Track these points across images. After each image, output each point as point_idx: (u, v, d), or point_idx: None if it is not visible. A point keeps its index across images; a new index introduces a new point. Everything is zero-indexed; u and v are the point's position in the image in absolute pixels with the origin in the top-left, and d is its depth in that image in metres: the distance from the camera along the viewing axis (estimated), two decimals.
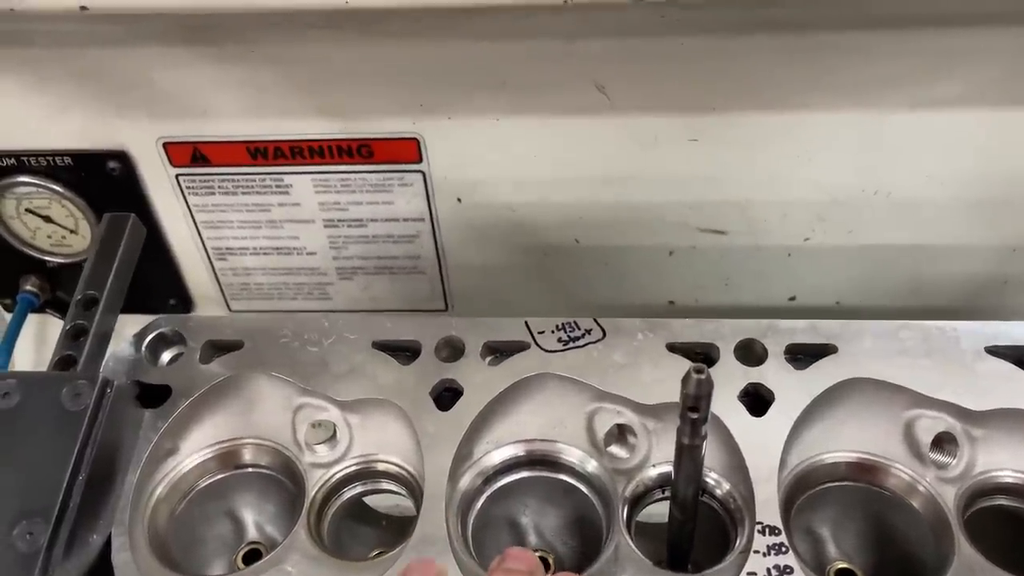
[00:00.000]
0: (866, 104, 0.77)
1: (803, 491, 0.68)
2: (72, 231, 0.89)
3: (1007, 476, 0.67)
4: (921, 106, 0.77)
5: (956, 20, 0.71)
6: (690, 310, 0.96)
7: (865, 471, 0.68)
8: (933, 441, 0.67)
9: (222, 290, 0.95)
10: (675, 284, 0.94)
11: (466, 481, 0.68)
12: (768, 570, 0.61)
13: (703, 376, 0.54)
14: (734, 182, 0.84)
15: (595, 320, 0.72)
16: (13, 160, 0.84)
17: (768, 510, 0.63)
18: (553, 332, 0.71)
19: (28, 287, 0.93)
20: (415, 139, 0.82)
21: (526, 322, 0.72)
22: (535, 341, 0.71)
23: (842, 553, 0.72)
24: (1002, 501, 0.67)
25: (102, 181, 0.85)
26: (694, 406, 0.56)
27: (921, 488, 0.66)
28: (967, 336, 0.70)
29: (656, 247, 0.90)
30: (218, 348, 0.74)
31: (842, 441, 0.68)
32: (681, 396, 0.55)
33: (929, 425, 0.67)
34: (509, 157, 0.83)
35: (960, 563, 0.62)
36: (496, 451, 0.69)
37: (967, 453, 0.67)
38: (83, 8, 0.65)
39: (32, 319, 0.94)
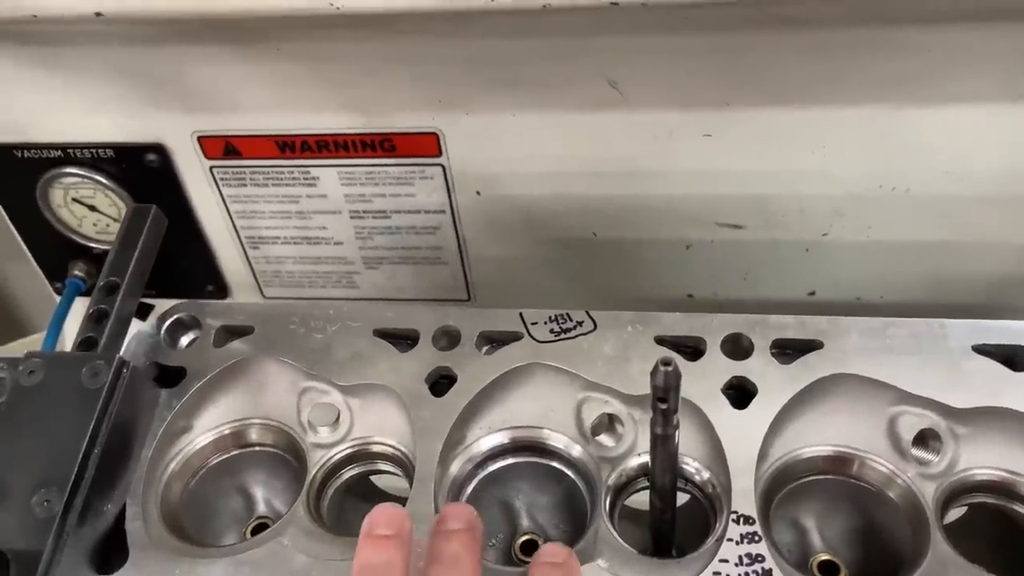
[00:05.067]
0: (883, 99, 0.77)
1: (785, 483, 0.69)
2: (115, 219, 0.93)
3: (988, 474, 0.66)
4: (939, 101, 0.76)
5: (975, 15, 0.70)
6: (709, 304, 0.96)
7: (846, 465, 0.68)
8: (916, 438, 0.67)
9: (256, 277, 0.99)
10: (693, 278, 0.94)
11: (456, 466, 0.70)
12: (740, 557, 0.62)
13: (670, 368, 0.56)
14: (750, 177, 0.85)
15: (587, 312, 0.74)
16: (60, 152, 0.89)
17: (744, 500, 0.64)
18: (546, 323, 0.73)
19: (76, 272, 0.97)
20: (435, 134, 0.84)
21: (520, 313, 0.74)
22: (528, 332, 0.73)
23: (825, 545, 0.72)
24: (983, 498, 0.67)
25: (142, 172, 0.89)
26: (663, 397, 0.57)
27: (901, 483, 0.66)
28: (955, 334, 0.69)
29: (673, 241, 0.91)
30: (231, 333, 0.77)
31: (824, 435, 0.69)
32: (651, 388, 0.57)
33: (912, 422, 0.67)
34: (526, 151, 0.85)
35: (934, 558, 0.62)
36: (486, 437, 0.71)
37: (950, 450, 0.67)
38: (98, 14, 0.69)
39: (80, 301, 0.97)
